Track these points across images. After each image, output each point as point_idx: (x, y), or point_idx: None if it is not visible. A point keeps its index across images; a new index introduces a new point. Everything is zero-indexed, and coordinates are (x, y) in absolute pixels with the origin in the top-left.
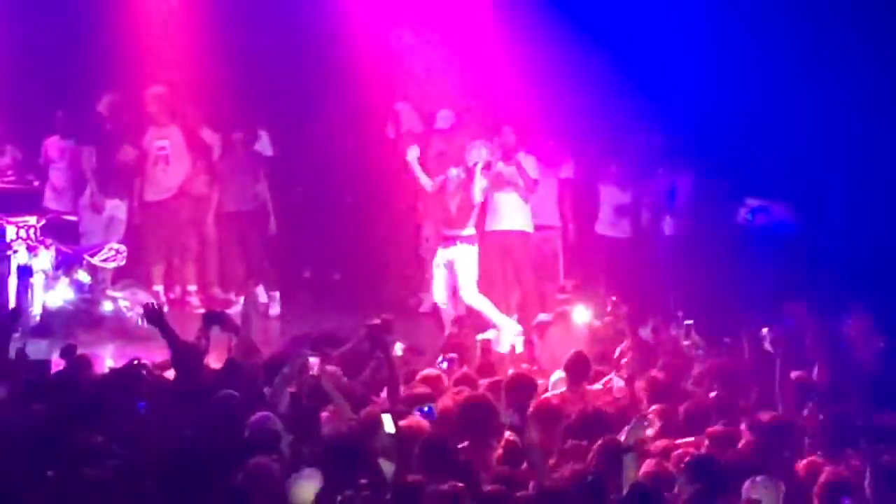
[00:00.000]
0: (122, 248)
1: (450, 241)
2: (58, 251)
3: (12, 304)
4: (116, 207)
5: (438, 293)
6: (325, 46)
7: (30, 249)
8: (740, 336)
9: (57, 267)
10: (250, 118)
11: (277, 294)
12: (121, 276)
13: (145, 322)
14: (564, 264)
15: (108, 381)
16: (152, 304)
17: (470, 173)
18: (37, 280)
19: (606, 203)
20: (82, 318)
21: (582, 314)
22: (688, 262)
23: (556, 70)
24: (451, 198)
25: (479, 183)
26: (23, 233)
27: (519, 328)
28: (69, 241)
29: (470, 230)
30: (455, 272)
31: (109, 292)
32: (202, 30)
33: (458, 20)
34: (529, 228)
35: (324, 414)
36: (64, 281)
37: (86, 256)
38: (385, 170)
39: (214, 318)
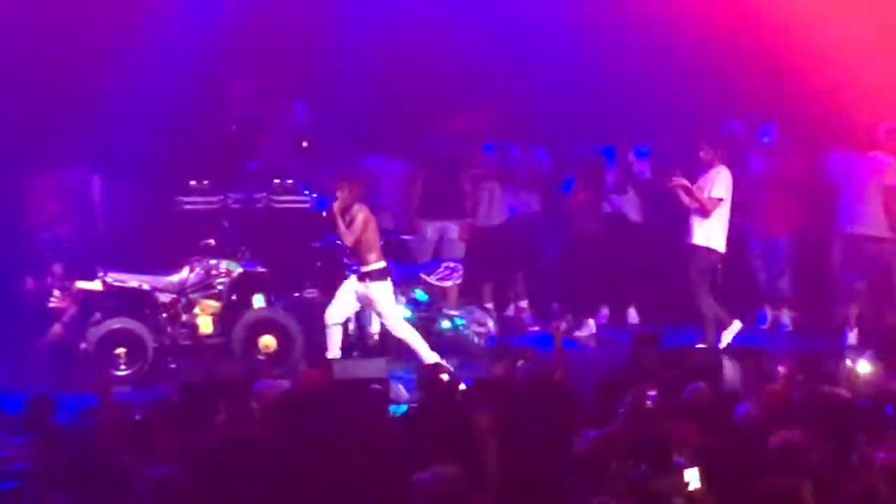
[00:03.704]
0: (459, 266)
1: (361, 277)
2: (396, 270)
3: (351, 323)
4: (446, 228)
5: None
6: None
7: None
8: None
9: (394, 285)
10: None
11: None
12: (459, 294)
13: (482, 341)
14: None
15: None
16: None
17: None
18: None
19: None
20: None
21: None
22: None
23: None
24: (358, 232)
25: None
26: None
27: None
28: (405, 261)
29: (376, 265)
30: (374, 307)
31: (446, 310)
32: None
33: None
34: (702, 242)
35: None
36: (401, 299)
37: (422, 275)
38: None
39: (501, 351)
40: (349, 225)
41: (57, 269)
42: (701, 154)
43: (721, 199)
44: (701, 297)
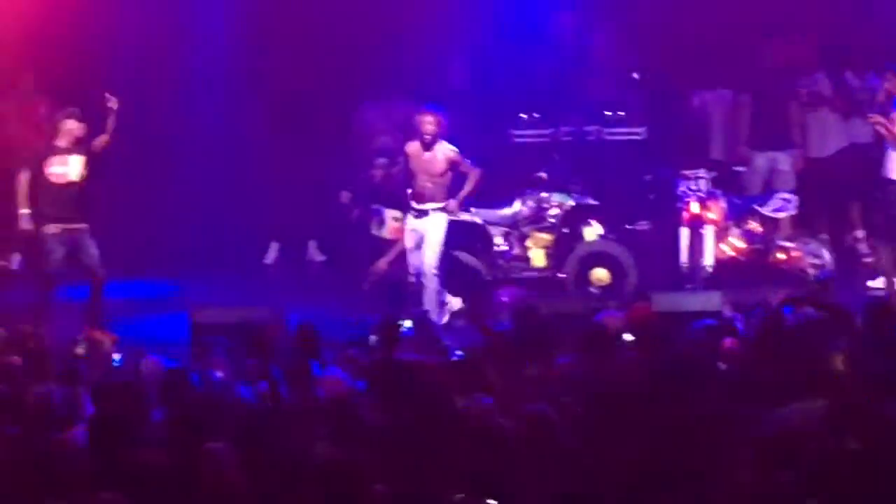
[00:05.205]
0: (793, 197)
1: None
2: (728, 202)
3: (684, 256)
4: (776, 159)
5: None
6: None
7: (701, 201)
8: None
9: (728, 218)
10: None
11: None
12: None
13: (817, 273)
14: None
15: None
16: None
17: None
18: (708, 231)
19: None
20: (755, 270)
21: None
22: None
23: None
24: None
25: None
26: (694, 185)
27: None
28: (736, 192)
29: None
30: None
31: (780, 242)
32: None
33: None
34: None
35: None
36: (735, 231)
37: (756, 206)
38: None
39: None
40: (450, 166)
41: (345, 196)
42: (887, 86)
43: None
44: None
